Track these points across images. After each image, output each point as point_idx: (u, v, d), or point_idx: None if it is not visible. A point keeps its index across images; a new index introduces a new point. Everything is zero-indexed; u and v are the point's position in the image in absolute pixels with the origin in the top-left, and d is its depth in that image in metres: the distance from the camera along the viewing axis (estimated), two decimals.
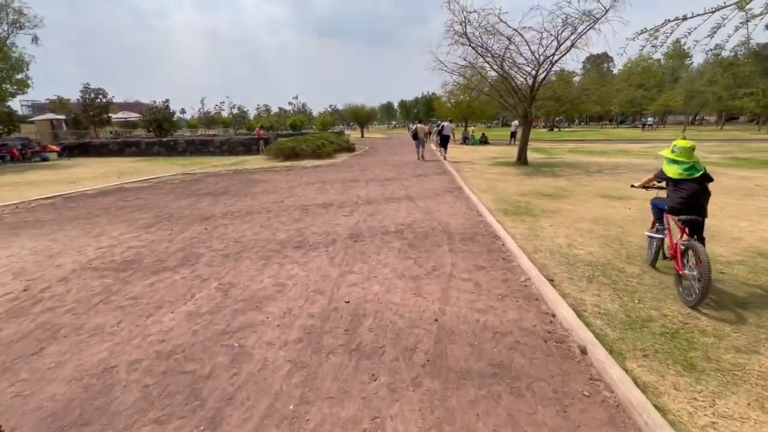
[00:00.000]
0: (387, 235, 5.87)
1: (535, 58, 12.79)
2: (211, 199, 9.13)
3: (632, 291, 3.74)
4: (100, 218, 7.52)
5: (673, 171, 3.62)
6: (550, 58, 12.68)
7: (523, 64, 13.12)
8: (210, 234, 6.19)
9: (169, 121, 28.40)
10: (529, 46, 12.68)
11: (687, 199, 3.48)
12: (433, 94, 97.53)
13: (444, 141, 17.56)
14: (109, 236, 6.21)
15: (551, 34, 11.94)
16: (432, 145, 23.72)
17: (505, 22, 12.33)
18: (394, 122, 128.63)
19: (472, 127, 29.66)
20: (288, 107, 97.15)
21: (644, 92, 48.85)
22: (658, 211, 4.07)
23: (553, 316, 3.36)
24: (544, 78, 13.09)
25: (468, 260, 4.76)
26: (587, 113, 60.91)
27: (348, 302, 3.71)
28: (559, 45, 12.26)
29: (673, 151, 3.68)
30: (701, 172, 3.51)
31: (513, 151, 20.41)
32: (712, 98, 42.21)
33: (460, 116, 30.83)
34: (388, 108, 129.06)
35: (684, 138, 3.74)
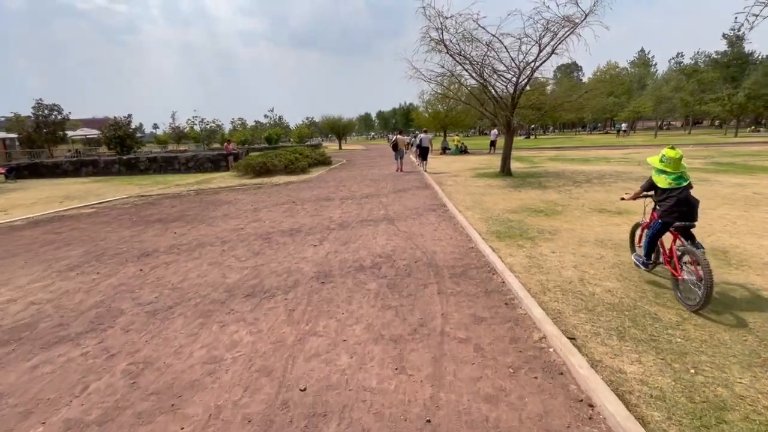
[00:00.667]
0: (362, 273, 4.86)
1: (516, 64, 12.22)
2: (160, 228, 7.90)
3: (681, 352, 2.85)
4: (16, 258, 6.19)
5: (662, 181, 3.66)
6: (531, 64, 12.14)
7: (503, 71, 12.54)
8: (143, 278, 5.01)
9: (132, 137, 26.63)
10: (509, 53, 12.11)
11: (679, 206, 3.53)
12: (411, 104, 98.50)
13: (423, 153, 16.99)
14: (13, 286, 4.94)
15: (532, 39, 11.39)
16: (411, 157, 23.01)
17: (484, 28, 11.73)
18: (372, 133, 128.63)
19: (455, 136, 29.21)
20: (264, 120, 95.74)
21: (615, 99, 50.19)
22: (652, 242, 3.90)
23: (591, 407, 2.40)
24: (525, 85, 12.52)
25: (462, 307, 3.80)
26: (562, 121, 62.05)
27: (304, 390, 2.66)
28: (540, 50, 11.73)
29: (662, 161, 3.68)
30: (687, 182, 3.60)
31: (494, 161, 19.91)
32: (680, 104, 43.60)
33: (439, 126, 30.39)
34: (366, 119, 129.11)
35: (672, 148, 3.68)
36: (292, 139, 64.73)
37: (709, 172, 12.63)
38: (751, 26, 4.48)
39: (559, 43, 11.67)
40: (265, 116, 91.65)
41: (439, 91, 14.01)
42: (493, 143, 28.33)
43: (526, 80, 12.45)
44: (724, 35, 60.20)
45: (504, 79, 12.73)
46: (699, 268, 3.26)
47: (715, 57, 58.08)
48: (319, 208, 9.27)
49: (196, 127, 62.02)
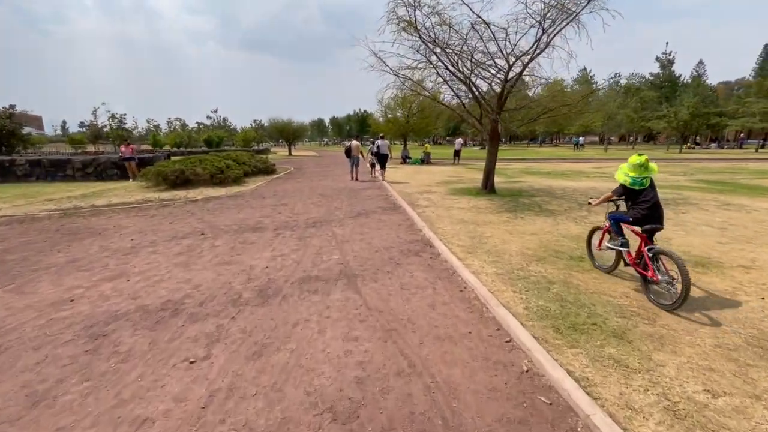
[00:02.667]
0: None
1: (504, 54, 9.80)
2: None
3: None
4: None
5: (632, 184, 3.81)
6: (522, 57, 9.78)
7: (489, 64, 10.07)
8: None
9: (16, 133, 20.97)
10: (497, 41, 9.66)
11: (650, 211, 3.73)
12: (366, 111, 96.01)
13: (382, 160, 15.25)
14: None
15: (534, 20, 9.02)
16: (368, 165, 20.15)
17: (468, 5, 9.16)
18: (326, 139, 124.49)
19: (427, 144, 26.70)
20: (207, 122, 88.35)
21: (565, 112, 51.27)
22: (617, 224, 4.15)
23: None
24: (515, 81, 10.14)
25: None
26: (522, 132, 62.67)
27: None
28: (537, 40, 9.40)
29: (630, 167, 3.87)
30: (650, 179, 3.85)
31: (464, 174, 17.61)
32: (625, 120, 45.26)
33: (398, 133, 27.88)
34: (319, 124, 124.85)
35: (640, 154, 3.85)
36: (236, 143, 59.41)
37: (705, 191, 11.04)
38: None
39: (556, 34, 9.44)
40: (208, 117, 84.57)
41: (410, 87, 11.14)
42: (457, 153, 26.31)
43: (516, 76, 10.06)
44: (657, 58, 65.29)
45: (490, 74, 10.27)
46: (670, 268, 3.52)
47: (650, 78, 62.56)
48: (237, 248, 5.96)
49: (127, 126, 54.46)
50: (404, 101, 26.56)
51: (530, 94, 12.05)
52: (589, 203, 4.56)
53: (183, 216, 8.50)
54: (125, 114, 53.59)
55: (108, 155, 16.32)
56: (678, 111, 35.20)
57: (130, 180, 15.24)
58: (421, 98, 27.11)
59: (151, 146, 57.69)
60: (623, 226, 4.12)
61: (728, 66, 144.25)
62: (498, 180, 14.02)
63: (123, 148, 15.34)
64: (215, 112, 79.88)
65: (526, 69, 10.03)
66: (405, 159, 25.75)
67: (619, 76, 71.13)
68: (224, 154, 16.65)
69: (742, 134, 48.01)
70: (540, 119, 10.74)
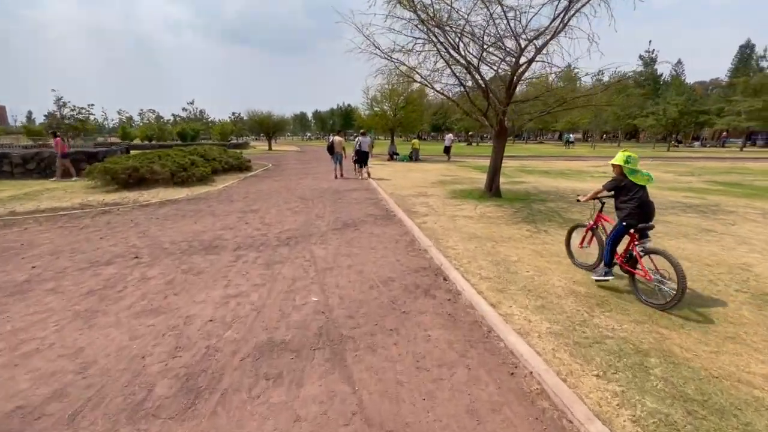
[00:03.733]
0: None
1: (514, 34, 8.34)
2: None
3: None
4: None
5: (640, 179, 3.68)
6: (535, 40, 8.34)
7: (497, 47, 8.58)
8: None
9: None
10: (507, 19, 8.19)
11: (642, 208, 3.59)
12: (349, 105, 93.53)
13: (362, 158, 14.11)
14: None
15: None
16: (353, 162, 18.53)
17: None
18: (309, 134, 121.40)
19: (416, 140, 25.08)
20: (184, 114, 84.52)
21: (583, 105, 50.55)
22: (613, 247, 3.86)
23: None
24: (527, 67, 8.69)
25: None
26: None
27: None
28: (554, 18, 7.98)
29: (627, 162, 3.72)
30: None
31: (460, 172, 16.15)
32: (612, 117, 44.89)
33: (386, 128, 26.23)
34: (301, 118, 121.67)
35: (626, 150, 3.86)
36: (213, 137, 56.54)
37: (737, 195, 9.93)
38: None
39: (576, 12, 8.04)
40: (184, 109, 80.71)
41: (404, 74, 9.56)
42: (447, 149, 24.93)
43: (528, 62, 8.61)
44: (640, 56, 65.58)
45: (497, 58, 8.79)
46: (660, 267, 3.51)
47: (633, 76, 62.74)
48: (176, 282, 4.29)
49: (94, 117, 50.71)
50: (392, 93, 24.94)
51: (542, 83, 10.61)
52: (578, 200, 4.43)
53: (122, 228, 6.70)
54: (92, 104, 49.93)
55: (51, 150, 14.08)
56: (667, 108, 34.82)
57: (74, 178, 13.10)
58: (411, 90, 25.65)
59: (120, 139, 54.27)
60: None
61: (698, 67, 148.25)
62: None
63: (57, 141, 13.08)
64: (191, 103, 76.00)
65: (540, 54, 8.60)
66: (392, 156, 24.17)
67: (602, 73, 71.32)
68: (191, 148, 14.69)
69: (724, 133, 48.47)
70: (553, 112, 9.32)
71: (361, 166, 14.28)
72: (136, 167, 11.06)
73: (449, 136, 25.70)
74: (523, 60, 8.68)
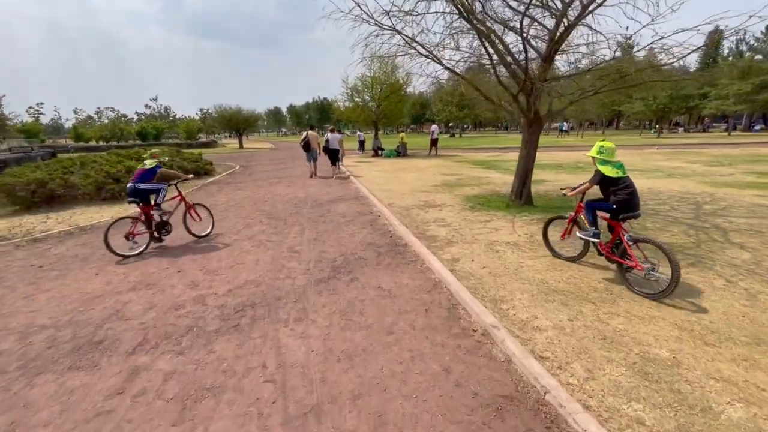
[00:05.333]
0: None
1: None
2: None
3: None
4: None
5: (610, 171, 3.64)
6: None
7: (534, 4, 6.22)
8: None
9: None
10: None
11: (631, 197, 3.56)
12: (326, 99, 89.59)
13: (332, 156, 13.22)
14: None
15: None
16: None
17: None
18: (284, 129, 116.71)
19: (402, 134, 22.57)
20: (147, 111, 79.07)
21: (642, 81, 48.66)
22: (593, 213, 3.95)
23: None
24: (570, 31, 6.38)
25: None
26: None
27: None
28: None
29: (600, 152, 3.72)
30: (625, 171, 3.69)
31: (461, 169, 13.67)
32: (596, 104, 43.72)
33: (368, 120, 23.63)
34: (276, 114, 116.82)
35: (604, 140, 3.84)
36: (179, 135, 52.38)
37: None
38: None
39: None
40: (147, 106, 75.38)
41: (405, 45, 7.05)
42: (434, 142, 22.40)
43: (575, 21, 6.29)
44: (618, 43, 65.02)
45: (529, 19, 6.44)
46: (649, 256, 3.50)
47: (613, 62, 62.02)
48: None
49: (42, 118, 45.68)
50: (374, 82, 22.35)
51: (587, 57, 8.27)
52: (564, 194, 4.26)
53: None
54: (41, 103, 44.83)
55: None
56: (657, 94, 33.69)
57: None
58: (394, 78, 23.09)
59: (74, 140, 49.35)
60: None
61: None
62: (508, 179, 10.39)
63: None
64: (154, 100, 70.93)
65: (588, 15, 6.29)
66: (377, 151, 21.65)
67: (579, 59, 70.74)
68: (130, 152, 11.71)
69: (706, 119, 48.25)
70: (605, 91, 7.05)
71: (333, 164, 13.37)
72: (42, 180, 8.17)
73: (435, 127, 23.17)
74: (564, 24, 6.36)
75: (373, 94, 22.66)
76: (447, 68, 7.45)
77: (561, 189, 4.53)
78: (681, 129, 46.92)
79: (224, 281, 4.21)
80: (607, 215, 3.74)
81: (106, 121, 64.16)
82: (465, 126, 78.33)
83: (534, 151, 7.35)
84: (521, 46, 6.55)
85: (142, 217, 5.28)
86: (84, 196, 8.71)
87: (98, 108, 67.69)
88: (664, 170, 12.37)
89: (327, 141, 13.17)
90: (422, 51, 7.14)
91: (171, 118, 70.01)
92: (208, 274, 4.43)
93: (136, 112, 79.97)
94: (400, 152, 21.13)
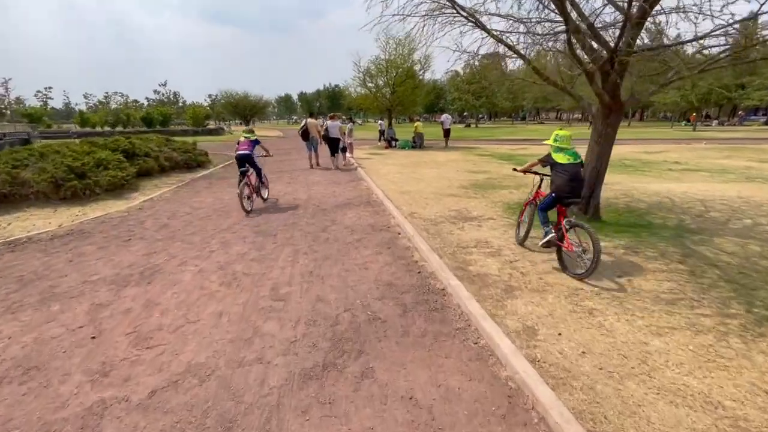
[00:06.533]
0: None
1: None
2: None
3: None
4: None
5: (562, 158, 3.85)
6: None
7: None
8: None
9: None
10: None
11: (572, 183, 3.77)
12: (337, 86, 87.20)
13: (332, 145, 12.25)
14: None
15: None
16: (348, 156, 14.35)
17: None
18: (294, 117, 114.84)
19: (418, 122, 20.65)
20: (156, 97, 77.93)
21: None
22: (544, 214, 4.02)
23: None
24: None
25: None
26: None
27: None
28: None
29: (556, 140, 3.95)
30: (580, 160, 3.94)
31: (484, 164, 11.71)
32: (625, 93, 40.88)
33: (382, 108, 21.72)
34: (286, 101, 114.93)
35: (562, 128, 4.11)
36: (186, 122, 51.10)
37: None
38: None
39: None
40: (155, 92, 74.20)
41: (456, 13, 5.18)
42: (447, 132, 20.27)
43: None
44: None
45: None
46: (583, 240, 3.61)
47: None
48: None
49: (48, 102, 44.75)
50: (389, 65, 20.38)
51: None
52: (514, 170, 4.60)
53: None
54: (50, 87, 43.85)
55: None
56: (696, 82, 30.92)
57: None
58: (411, 62, 21.05)
59: (79, 125, 48.40)
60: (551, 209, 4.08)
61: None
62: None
63: None
64: (163, 85, 69.66)
65: None
66: (391, 142, 19.79)
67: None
68: (108, 140, 10.12)
69: (741, 111, 45.04)
70: (712, 69, 5.12)
71: (333, 154, 12.47)
72: None
73: (446, 116, 21.04)
74: None
75: (387, 79, 20.68)
76: (495, 38, 5.56)
77: (513, 168, 4.80)
78: (715, 122, 43.76)
79: (154, 366, 2.56)
80: (554, 207, 3.92)
81: (114, 106, 63.22)
82: (480, 116, 75.10)
83: (610, 149, 5.55)
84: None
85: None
86: (38, 195, 7.17)
87: (106, 93, 66.61)
88: (732, 171, 10.38)
89: (326, 128, 12.21)
90: (462, 13, 5.29)
91: (180, 104, 68.76)
92: (135, 347, 2.78)
93: (146, 98, 79.02)
94: (416, 143, 19.26)
